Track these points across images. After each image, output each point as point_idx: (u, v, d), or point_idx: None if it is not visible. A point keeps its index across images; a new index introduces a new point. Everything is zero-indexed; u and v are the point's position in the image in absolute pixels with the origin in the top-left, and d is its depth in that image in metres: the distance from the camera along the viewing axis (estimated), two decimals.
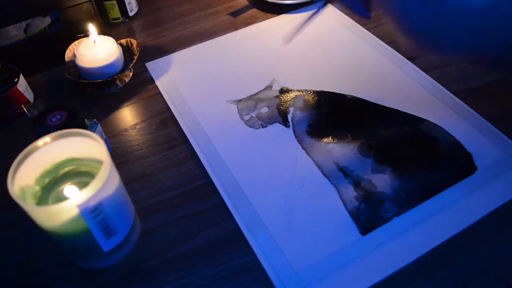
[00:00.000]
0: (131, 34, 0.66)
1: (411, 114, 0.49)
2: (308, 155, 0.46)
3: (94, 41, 0.54)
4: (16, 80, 0.52)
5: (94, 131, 0.45)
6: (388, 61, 0.56)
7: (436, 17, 0.37)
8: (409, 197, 0.41)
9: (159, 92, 0.56)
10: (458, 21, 0.37)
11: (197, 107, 0.52)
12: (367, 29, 0.61)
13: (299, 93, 0.53)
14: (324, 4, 0.43)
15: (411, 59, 0.56)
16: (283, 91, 0.53)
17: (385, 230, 0.39)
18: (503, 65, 0.40)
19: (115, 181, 0.35)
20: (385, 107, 0.50)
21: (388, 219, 0.40)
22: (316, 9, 0.44)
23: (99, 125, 0.46)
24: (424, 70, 0.54)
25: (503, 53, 0.38)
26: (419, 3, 0.37)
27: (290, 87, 0.54)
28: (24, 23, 0.60)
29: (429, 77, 0.53)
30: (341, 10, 0.65)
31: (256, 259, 0.38)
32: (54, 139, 0.36)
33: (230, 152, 0.47)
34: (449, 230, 0.39)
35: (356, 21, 0.63)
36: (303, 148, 0.47)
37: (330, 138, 0.47)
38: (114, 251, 0.37)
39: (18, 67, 0.54)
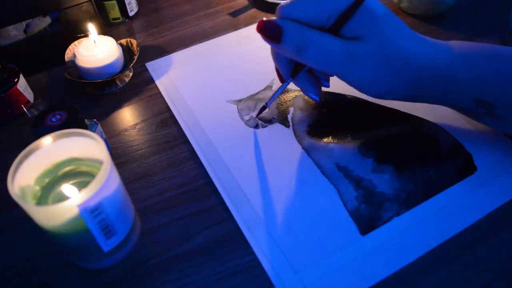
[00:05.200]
0: (131, 34, 0.66)
1: (411, 114, 0.49)
2: (308, 155, 0.46)
3: (94, 41, 0.54)
4: (16, 80, 0.52)
5: (94, 131, 0.45)
6: None
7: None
8: (409, 197, 0.41)
9: (159, 92, 0.56)
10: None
11: (197, 107, 0.52)
12: None
13: (299, 93, 0.53)
14: (287, 84, 0.44)
15: None
16: (283, 91, 0.53)
17: (385, 230, 0.39)
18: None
19: (115, 181, 0.35)
20: (385, 107, 0.50)
21: (388, 219, 0.40)
22: (284, 86, 0.45)
23: (99, 125, 0.46)
24: None
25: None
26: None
27: (290, 87, 0.54)
28: (24, 23, 0.60)
29: None
30: None
31: (256, 259, 0.38)
32: (54, 139, 0.36)
33: (230, 152, 0.47)
34: (449, 230, 0.39)
35: None
36: (303, 148, 0.47)
37: (330, 138, 0.47)
38: (114, 251, 0.37)
39: (18, 67, 0.54)
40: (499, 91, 0.39)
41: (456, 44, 0.40)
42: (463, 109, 0.43)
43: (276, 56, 0.42)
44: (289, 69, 0.43)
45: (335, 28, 0.37)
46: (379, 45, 0.37)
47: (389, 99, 0.42)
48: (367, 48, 0.37)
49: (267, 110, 0.50)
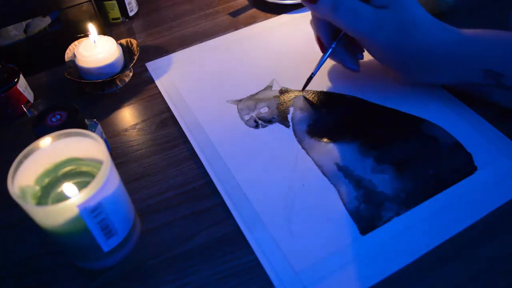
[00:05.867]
0: (131, 34, 0.66)
1: (411, 114, 0.49)
2: (308, 155, 0.46)
3: (94, 41, 0.54)
4: (16, 80, 0.52)
5: (94, 131, 0.45)
6: None
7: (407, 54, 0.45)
8: (409, 197, 0.41)
9: (159, 92, 0.56)
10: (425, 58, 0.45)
11: (197, 107, 0.52)
12: None
13: (299, 93, 0.53)
14: (331, 51, 0.50)
15: None
16: (283, 91, 0.53)
17: (385, 230, 0.39)
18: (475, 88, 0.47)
19: (115, 181, 0.35)
20: (385, 107, 0.50)
21: (388, 219, 0.40)
22: (327, 53, 0.50)
23: (99, 125, 0.46)
24: None
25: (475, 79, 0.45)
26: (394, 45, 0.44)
27: (290, 87, 0.54)
28: (24, 23, 0.60)
29: None
30: None
31: (256, 259, 0.38)
32: (54, 139, 0.36)
33: (230, 152, 0.47)
34: (449, 230, 0.39)
35: None
36: (303, 148, 0.47)
37: (330, 138, 0.47)
38: (114, 251, 0.37)
39: (18, 67, 0.54)
40: (506, 61, 0.43)
41: (464, 30, 0.45)
42: (473, 85, 0.46)
43: (316, 23, 0.49)
44: (328, 35, 0.49)
45: None
46: (400, 12, 0.44)
47: (402, 72, 0.48)
48: (391, 14, 0.44)
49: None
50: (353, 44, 0.51)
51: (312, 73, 0.51)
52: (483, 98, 0.48)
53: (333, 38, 0.49)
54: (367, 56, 0.52)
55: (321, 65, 0.51)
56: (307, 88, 0.53)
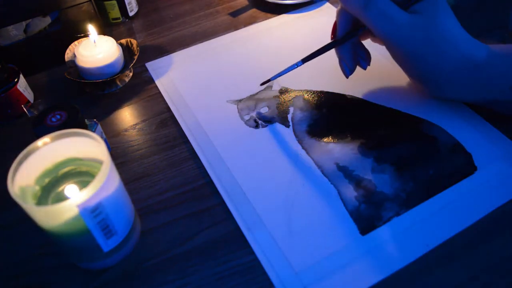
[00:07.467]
0: (131, 34, 0.66)
1: (411, 114, 0.49)
2: (308, 155, 0.46)
3: (94, 41, 0.54)
4: (16, 80, 0.52)
5: (94, 131, 0.45)
6: (388, 61, 0.56)
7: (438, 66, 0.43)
8: (409, 197, 0.41)
9: (159, 92, 0.56)
10: (457, 71, 0.43)
11: (197, 107, 0.52)
12: None
13: (299, 93, 0.53)
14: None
15: None
16: (283, 91, 0.53)
17: (385, 230, 0.39)
18: (498, 105, 0.45)
19: (115, 181, 0.35)
20: (385, 107, 0.50)
21: (388, 219, 0.40)
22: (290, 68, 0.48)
23: (99, 125, 0.46)
24: None
25: (499, 96, 0.43)
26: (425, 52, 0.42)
27: (290, 87, 0.54)
28: (24, 23, 0.60)
29: None
30: None
31: (256, 259, 0.38)
32: (54, 139, 0.36)
33: (230, 152, 0.47)
34: (449, 230, 0.39)
35: None
36: (303, 148, 0.47)
37: (330, 138, 0.47)
38: (114, 251, 0.37)
39: (18, 67, 0.54)
40: None
41: (492, 46, 0.44)
42: (498, 101, 0.44)
43: (341, 13, 0.46)
44: (345, 28, 0.46)
45: (406, 4, 0.42)
46: (433, 21, 0.41)
47: (424, 84, 0.47)
48: (423, 21, 0.41)
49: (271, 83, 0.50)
50: (362, 50, 0.49)
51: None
52: (503, 114, 0.46)
53: (349, 33, 0.46)
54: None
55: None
56: (307, 88, 0.53)
